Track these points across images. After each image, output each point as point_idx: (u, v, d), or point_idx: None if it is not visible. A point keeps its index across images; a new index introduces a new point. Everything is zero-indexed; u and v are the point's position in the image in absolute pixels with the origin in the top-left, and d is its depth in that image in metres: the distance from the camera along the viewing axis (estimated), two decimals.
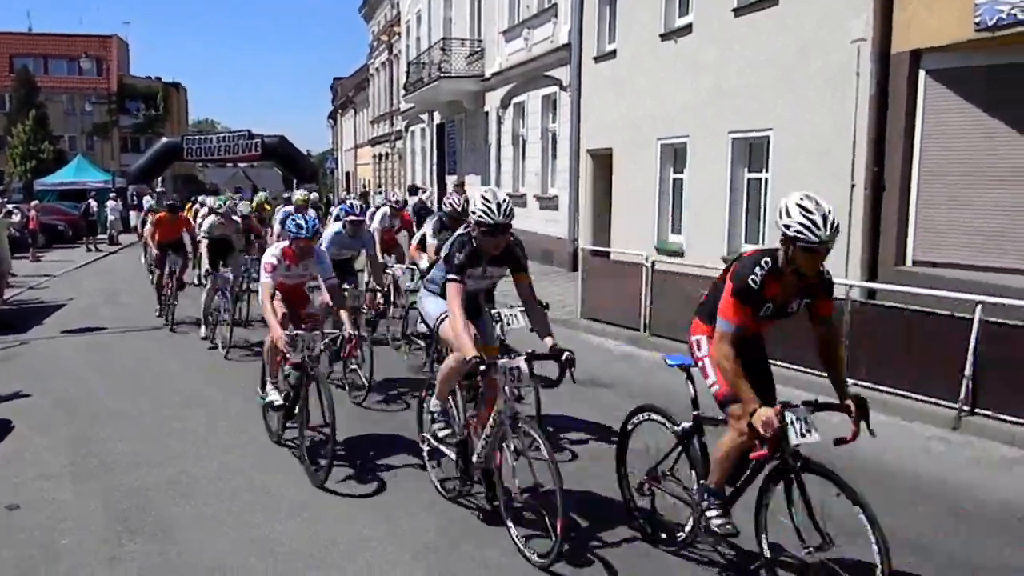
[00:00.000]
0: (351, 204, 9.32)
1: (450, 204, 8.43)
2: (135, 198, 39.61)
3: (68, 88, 57.66)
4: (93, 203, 30.02)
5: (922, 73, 9.42)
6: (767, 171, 11.97)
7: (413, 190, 19.33)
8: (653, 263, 11.02)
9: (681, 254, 13.58)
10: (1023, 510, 5.39)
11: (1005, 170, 8.75)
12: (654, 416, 4.78)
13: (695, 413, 4.49)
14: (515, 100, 22.06)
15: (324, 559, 4.75)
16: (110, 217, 31.31)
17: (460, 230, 4.98)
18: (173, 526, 5.20)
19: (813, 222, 3.71)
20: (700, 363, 4.33)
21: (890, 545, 3.65)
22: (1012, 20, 8.08)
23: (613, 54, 16.50)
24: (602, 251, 14.34)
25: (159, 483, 5.95)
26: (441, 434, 5.38)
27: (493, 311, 7.16)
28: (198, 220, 14.18)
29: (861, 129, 9.98)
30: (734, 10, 12.35)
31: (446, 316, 4.96)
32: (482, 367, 4.54)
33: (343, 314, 6.55)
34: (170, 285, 12.65)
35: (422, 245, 8.90)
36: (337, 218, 10.77)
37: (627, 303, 11.19)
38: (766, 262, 3.95)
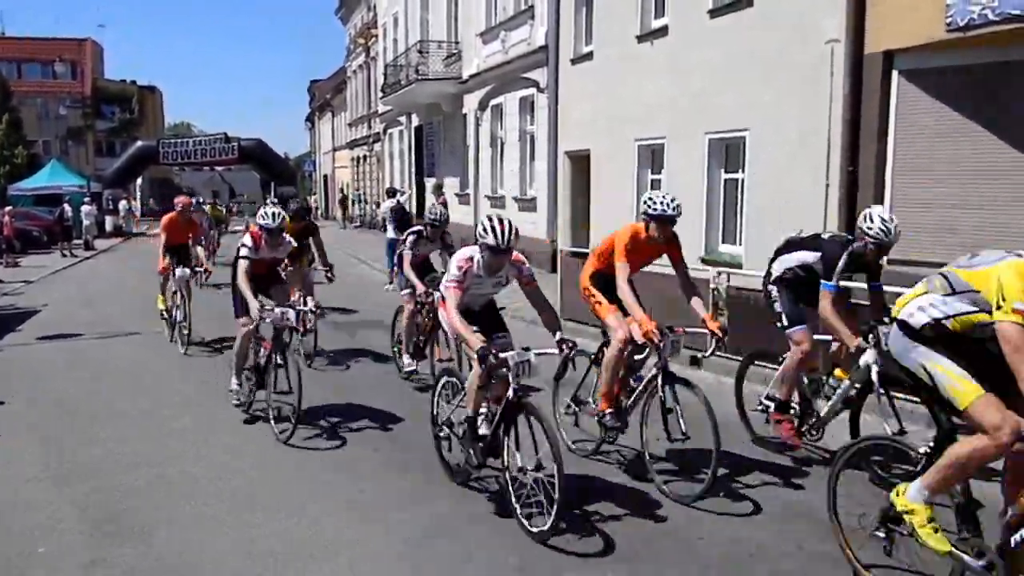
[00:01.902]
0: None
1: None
2: (111, 202, 39.30)
3: (42, 92, 57.16)
4: (67, 208, 29.70)
5: (895, 73, 9.52)
6: (743, 171, 12.06)
7: (391, 192, 19.29)
8: None
9: None
10: (997, 507, 5.44)
11: (977, 168, 8.87)
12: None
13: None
14: (493, 102, 22.09)
15: (305, 558, 4.74)
16: (85, 222, 31.01)
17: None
18: (151, 530, 5.17)
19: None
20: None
21: None
22: (983, 20, 8.19)
23: (590, 56, 16.55)
24: (581, 252, 14.35)
25: (134, 487, 5.92)
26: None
27: None
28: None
29: (835, 129, 10.08)
30: (709, 12, 12.43)
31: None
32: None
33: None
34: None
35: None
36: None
37: None
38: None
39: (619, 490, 5.72)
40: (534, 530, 4.88)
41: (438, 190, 19.28)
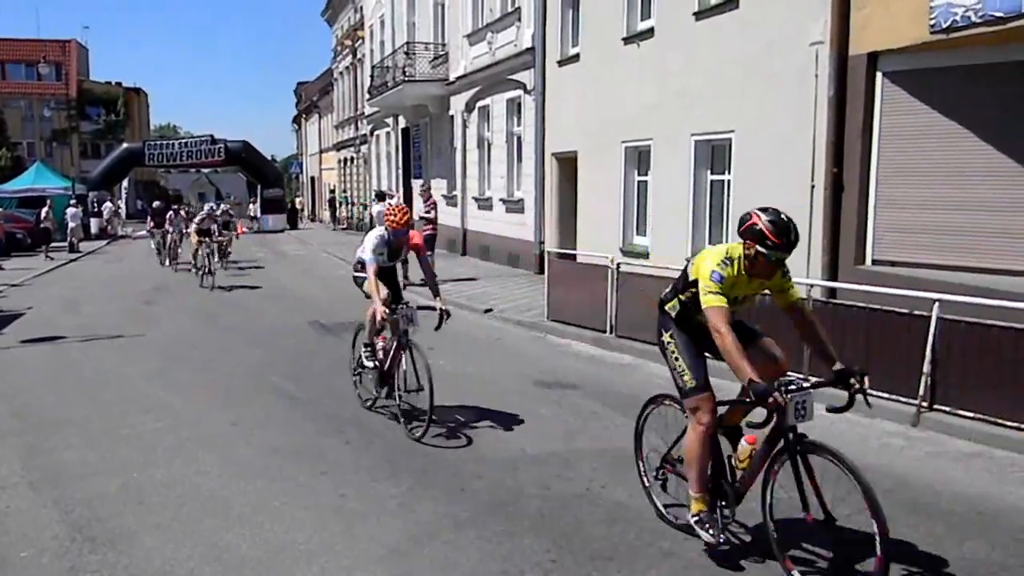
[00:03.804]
0: None
1: None
2: (95, 204, 39.06)
3: (26, 93, 56.86)
4: (44, 210, 29.32)
5: (879, 75, 9.57)
6: (729, 173, 12.09)
7: (381, 196, 19.15)
8: (618, 265, 11.07)
9: (646, 256, 13.66)
10: (980, 504, 5.48)
11: (960, 170, 8.92)
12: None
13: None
14: (480, 104, 22.08)
15: (280, 564, 4.72)
16: (71, 224, 30.80)
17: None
18: (130, 535, 5.12)
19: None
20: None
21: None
22: (966, 22, 8.23)
23: (576, 58, 16.57)
24: (568, 254, 14.39)
25: (113, 492, 5.87)
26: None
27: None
28: None
29: (820, 131, 10.11)
30: (695, 14, 12.46)
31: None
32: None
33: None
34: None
35: None
36: None
37: (593, 305, 11.24)
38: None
39: (607, 501, 5.71)
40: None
41: (426, 192, 19.15)
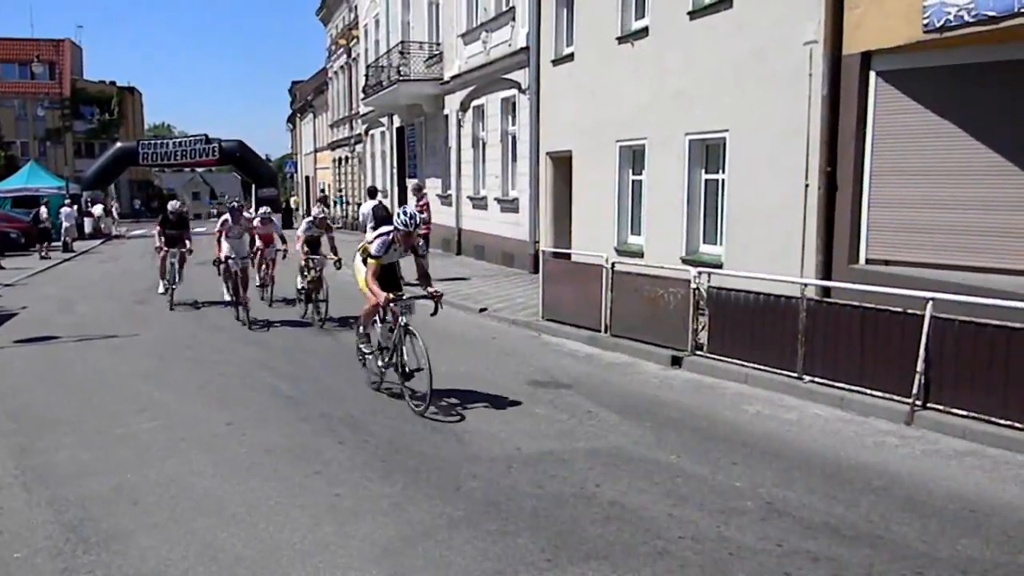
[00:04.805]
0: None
1: None
2: (88, 204, 38.95)
3: (20, 93, 56.69)
4: (43, 210, 29.30)
5: (872, 75, 9.58)
6: (723, 172, 12.09)
7: (372, 192, 19.13)
8: (613, 264, 11.08)
9: (641, 255, 13.66)
10: (974, 502, 5.50)
11: (954, 169, 8.94)
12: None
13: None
14: (474, 103, 22.07)
15: (274, 563, 4.71)
16: (65, 224, 30.72)
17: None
18: (124, 536, 5.11)
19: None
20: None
21: (844, 535, 3.89)
22: (960, 21, 8.25)
23: (571, 57, 16.56)
24: (563, 253, 14.39)
25: (108, 492, 5.86)
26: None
27: None
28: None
29: (814, 130, 10.12)
30: (689, 13, 12.45)
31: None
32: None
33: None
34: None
35: None
36: None
37: (588, 304, 11.24)
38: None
39: (602, 500, 5.72)
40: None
41: (418, 191, 19.14)
